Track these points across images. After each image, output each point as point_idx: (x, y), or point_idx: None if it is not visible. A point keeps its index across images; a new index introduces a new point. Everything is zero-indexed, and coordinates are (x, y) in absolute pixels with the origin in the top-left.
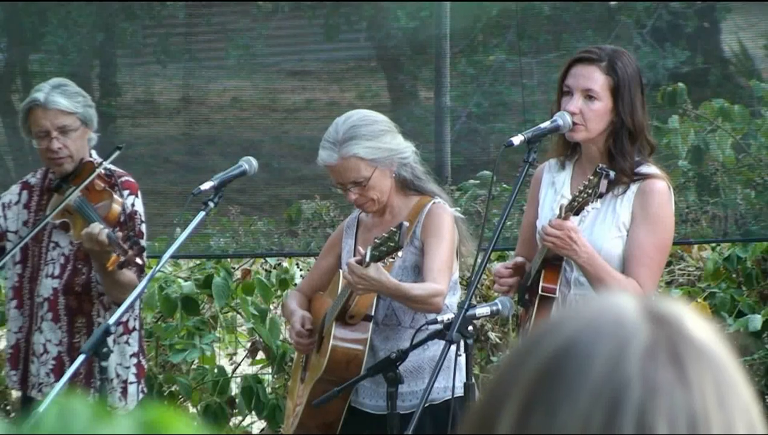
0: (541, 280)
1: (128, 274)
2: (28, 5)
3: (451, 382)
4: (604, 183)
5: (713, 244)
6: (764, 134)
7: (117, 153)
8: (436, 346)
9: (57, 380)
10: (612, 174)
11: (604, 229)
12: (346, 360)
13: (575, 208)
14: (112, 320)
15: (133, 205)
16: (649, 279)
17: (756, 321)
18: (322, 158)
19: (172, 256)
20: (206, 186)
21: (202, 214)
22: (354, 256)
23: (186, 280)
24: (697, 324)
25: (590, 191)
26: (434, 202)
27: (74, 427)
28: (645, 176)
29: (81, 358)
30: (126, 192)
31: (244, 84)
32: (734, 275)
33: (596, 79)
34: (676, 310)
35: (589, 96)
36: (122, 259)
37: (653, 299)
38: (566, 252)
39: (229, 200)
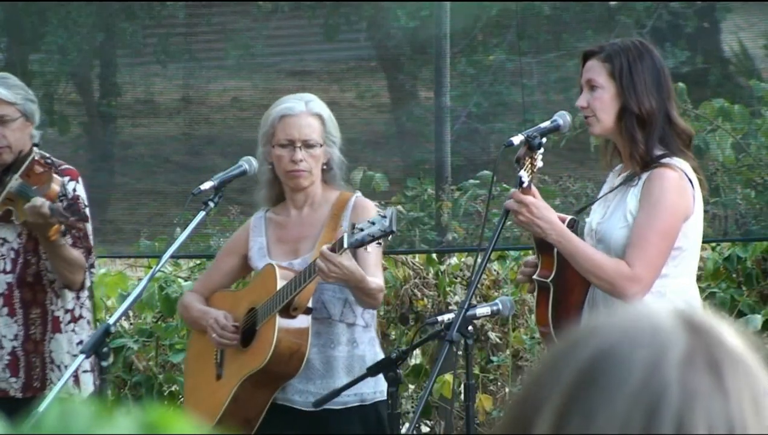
0: (539, 267)
1: (74, 252)
2: (28, 5)
3: (382, 385)
4: (522, 149)
5: (713, 244)
6: (764, 134)
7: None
8: (364, 345)
9: (12, 375)
10: (538, 141)
11: (613, 220)
12: (290, 353)
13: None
14: (112, 320)
15: (74, 190)
16: (641, 260)
17: (756, 321)
18: (287, 107)
19: (172, 256)
20: (206, 186)
21: (202, 214)
22: (269, 253)
23: (186, 280)
24: (732, 333)
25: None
26: (357, 196)
27: (75, 428)
28: (657, 165)
29: (80, 358)
30: (66, 178)
31: (244, 84)
32: (734, 275)
33: (595, 69)
34: (711, 320)
35: (592, 87)
36: (63, 228)
37: (691, 307)
38: (533, 229)
39: (229, 200)
